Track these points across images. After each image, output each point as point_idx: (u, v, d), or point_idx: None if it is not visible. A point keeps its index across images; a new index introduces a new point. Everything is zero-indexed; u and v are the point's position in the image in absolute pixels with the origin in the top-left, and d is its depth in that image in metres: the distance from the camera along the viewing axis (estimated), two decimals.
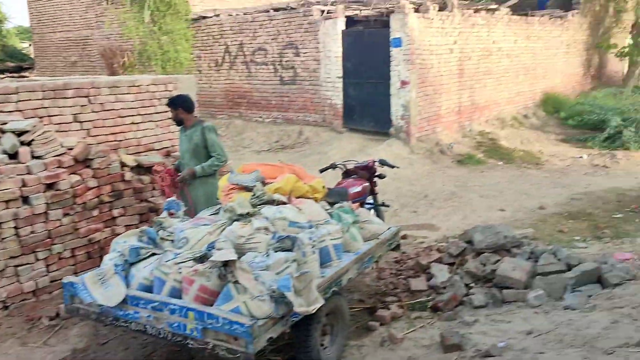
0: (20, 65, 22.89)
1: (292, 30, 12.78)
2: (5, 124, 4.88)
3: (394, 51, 11.12)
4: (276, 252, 3.46)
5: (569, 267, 4.81)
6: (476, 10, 12.78)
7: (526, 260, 4.98)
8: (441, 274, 5.07)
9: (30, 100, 5.40)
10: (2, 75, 12.15)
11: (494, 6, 13.45)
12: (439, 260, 5.39)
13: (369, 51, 11.62)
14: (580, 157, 11.69)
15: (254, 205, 3.92)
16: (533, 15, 15.17)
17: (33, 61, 22.32)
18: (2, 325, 4.39)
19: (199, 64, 14.85)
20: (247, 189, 4.27)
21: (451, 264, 5.29)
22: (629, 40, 18.54)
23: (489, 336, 3.96)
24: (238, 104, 14.31)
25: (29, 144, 4.84)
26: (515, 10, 14.71)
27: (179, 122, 5.36)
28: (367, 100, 11.90)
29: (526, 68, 14.96)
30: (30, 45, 27.22)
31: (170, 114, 5.51)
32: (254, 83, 13.86)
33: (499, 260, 5.02)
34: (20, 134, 4.83)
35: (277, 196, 4.08)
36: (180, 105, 5.26)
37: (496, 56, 13.63)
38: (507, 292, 4.66)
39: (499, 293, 4.70)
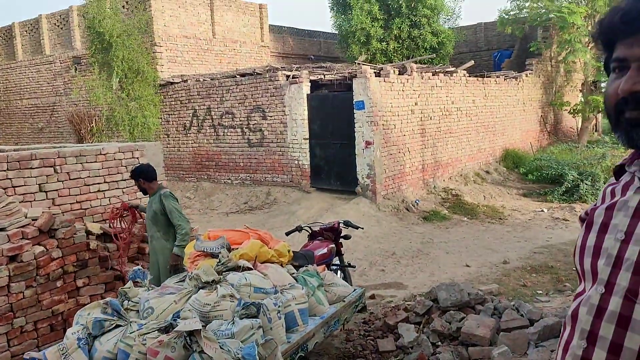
0: None
1: (259, 95, 13.12)
2: None
3: (358, 113, 11.50)
4: (242, 319, 3.48)
5: (532, 322, 4.93)
6: (434, 73, 13.38)
7: (490, 316, 5.08)
8: (408, 333, 5.11)
9: None
10: None
11: (451, 69, 14.11)
12: (406, 320, 5.44)
13: (333, 113, 12.00)
14: (541, 210, 12.07)
15: (219, 272, 3.95)
16: (489, 77, 15.95)
17: None
18: None
19: (167, 128, 15.02)
20: (213, 255, 4.32)
21: (418, 323, 5.35)
22: (580, 98, 19.59)
23: None
24: (206, 167, 14.42)
25: None
26: (472, 72, 15.46)
27: (143, 191, 5.57)
28: (334, 161, 12.18)
29: (485, 126, 15.58)
30: None
31: (137, 185, 5.66)
32: (222, 146, 14.05)
33: (464, 317, 5.11)
34: None
35: (242, 262, 4.12)
36: (139, 176, 5.46)
37: (456, 115, 14.18)
38: (472, 350, 4.73)
39: (465, 351, 4.76)
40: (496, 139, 16.16)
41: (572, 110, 18.69)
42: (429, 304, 5.48)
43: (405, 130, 12.38)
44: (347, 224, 6.22)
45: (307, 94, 12.39)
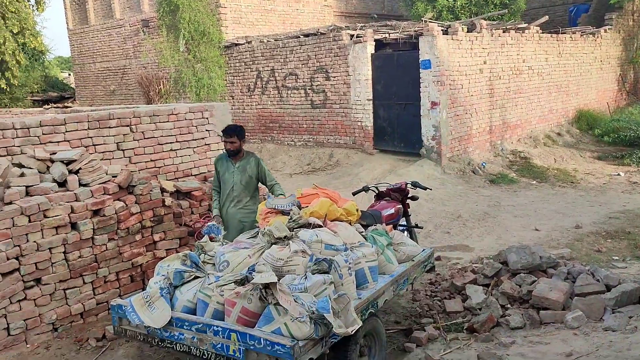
0: (61, 95, 23.78)
1: (322, 55, 13.02)
2: (54, 153, 5.15)
3: (424, 73, 11.22)
4: (314, 274, 3.55)
5: (608, 288, 4.77)
6: (505, 30, 12.80)
7: (563, 280, 4.95)
8: (476, 295, 5.07)
9: (77, 130, 5.68)
10: (47, 106, 12.68)
11: (523, 25, 13.44)
12: (473, 282, 5.39)
13: (398, 73, 11.76)
14: (617, 174, 11.50)
15: (290, 229, 4.03)
16: (564, 33, 15.09)
17: (74, 91, 23.19)
18: (52, 347, 4.59)
19: (232, 90, 15.23)
20: (284, 212, 4.40)
21: (486, 285, 5.29)
22: None
23: (527, 358, 3.96)
24: (270, 128, 14.58)
25: (76, 172, 5.09)
26: (545, 28, 14.67)
27: (235, 152, 5.25)
28: (398, 122, 12.01)
29: (558, 85, 14.85)
30: (70, 75, 28.29)
31: (226, 144, 5.24)
32: (286, 107, 14.13)
33: (534, 281, 5.01)
34: (68, 163, 5.08)
35: (312, 219, 4.18)
36: (244, 136, 5.30)
37: (527, 75, 13.59)
38: (544, 313, 4.64)
39: (536, 314, 4.68)
40: (569, 99, 15.39)
41: None
42: (498, 267, 5.39)
43: (472, 91, 12.00)
44: (415, 184, 6.15)
45: (371, 54, 12.18)
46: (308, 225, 4.13)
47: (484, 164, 11.80)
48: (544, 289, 4.77)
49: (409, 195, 6.08)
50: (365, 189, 6.22)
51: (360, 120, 12.53)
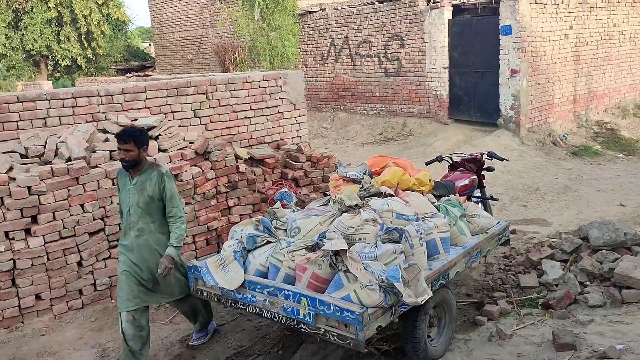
0: (142, 64, 24.73)
1: (397, 22, 12.72)
2: (135, 120, 5.38)
3: (504, 39, 10.72)
4: (384, 243, 3.54)
5: None
6: None
7: None
8: (553, 270, 4.88)
9: (156, 97, 5.89)
10: (128, 74, 13.25)
11: None
12: (550, 257, 5.20)
13: (476, 40, 11.31)
14: None
15: (362, 198, 4.02)
16: None
17: (154, 60, 24.03)
18: None
19: (305, 58, 15.24)
20: (355, 181, 4.39)
21: (564, 261, 5.08)
22: None
23: (606, 337, 3.79)
24: (343, 97, 14.51)
25: (156, 138, 5.30)
26: None
27: (132, 164, 3.70)
28: (474, 91, 11.60)
29: None
30: (150, 45, 29.30)
31: (119, 152, 3.72)
32: (359, 76, 13.98)
33: (617, 258, 4.75)
34: (148, 129, 5.29)
35: (384, 189, 4.15)
36: (146, 143, 3.78)
37: (617, 40, 12.67)
38: (627, 293, 4.41)
39: (617, 293, 4.45)
40: None
41: None
42: (577, 242, 5.16)
43: (556, 58, 11.35)
44: (491, 155, 5.95)
45: (449, 20, 11.77)
46: (379, 194, 4.11)
47: (565, 135, 11.22)
48: (628, 266, 4.51)
49: (485, 167, 5.88)
50: (439, 159, 6.08)
51: (435, 89, 12.21)
